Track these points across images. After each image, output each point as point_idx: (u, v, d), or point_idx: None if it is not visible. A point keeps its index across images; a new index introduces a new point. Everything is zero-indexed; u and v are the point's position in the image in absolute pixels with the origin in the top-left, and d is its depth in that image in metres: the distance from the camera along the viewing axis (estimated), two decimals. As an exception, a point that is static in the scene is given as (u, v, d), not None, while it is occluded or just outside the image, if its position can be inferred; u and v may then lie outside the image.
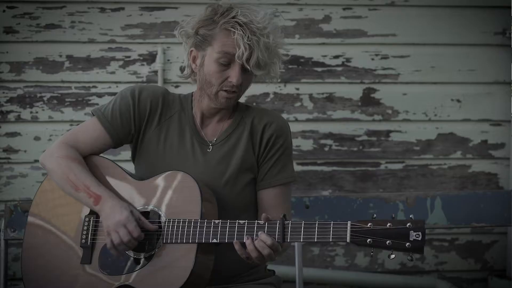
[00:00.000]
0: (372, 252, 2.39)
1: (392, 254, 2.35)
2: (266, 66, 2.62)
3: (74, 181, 2.63)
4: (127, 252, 2.58)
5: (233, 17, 2.58)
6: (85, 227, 2.64)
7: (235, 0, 2.66)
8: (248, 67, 2.58)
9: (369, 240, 2.35)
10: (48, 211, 2.71)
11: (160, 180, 2.62)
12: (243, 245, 2.47)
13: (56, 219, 2.69)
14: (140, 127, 2.72)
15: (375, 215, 2.38)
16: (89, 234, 2.63)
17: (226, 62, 2.60)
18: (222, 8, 2.62)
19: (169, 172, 2.62)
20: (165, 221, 2.55)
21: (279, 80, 2.61)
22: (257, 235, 2.45)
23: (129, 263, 2.57)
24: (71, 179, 2.64)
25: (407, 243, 2.32)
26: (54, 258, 2.65)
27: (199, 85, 2.69)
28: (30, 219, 2.72)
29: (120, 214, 2.55)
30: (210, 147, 2.70)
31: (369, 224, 2.36)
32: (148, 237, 2.57)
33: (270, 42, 2.58)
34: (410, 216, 2.36)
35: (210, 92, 2.65)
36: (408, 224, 2.33)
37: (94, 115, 2.74)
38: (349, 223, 2.38)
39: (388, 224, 2.34)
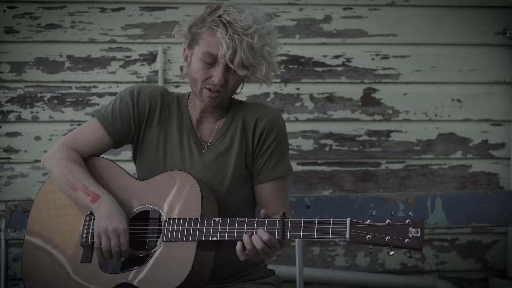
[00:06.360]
0: (371, 249, 2.39)
1: (391, 250, 2.36)
2: (251, 67, 2.59)
3: (72, 181, 2.63)
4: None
5: (219, 16, 2.58)
6: (86, 226, 2.64)
7: (234, 0, 2.66)
8: (232, 66, 2.57)
9: (368, 236, 2.36)
10: (48, 212, 2.71)
11: (160, 180, 2.63)
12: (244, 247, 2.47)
13: (57, 219, 2.69)
14: (140, 127, 2.73)
15: (374, 212, 2.39)
16: (90, 233, 2.63)
17: (210, 61, 2.59)
18: (212, 7, 2.62)
19: (169, 171, 2.63)
20: (166, 220, 2.56)
21: (272, 83, 2.60)
22: (256, 232, 2.46)
23: (129, 262, 2.57)
24: (69, 179, 2.64)
25: (406, 240, 2.34)
26: (55, 257, 2.65)
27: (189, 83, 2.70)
28: (30, 219, 2.73)
29: (119, 223, 2.55)
30: (206, 148, 2.70)
31: (368, 220, 2.37)
32: (148, 236, 2.57)
33: (254, 42, 2.56)
34: (409, 213, 2.37)
35: (195, 90, 2.65)
36: (407, 220, 2.35)
37: (94, 116, 2.75)
38: (348, 219, 2.38)
39: (387, 220, 2.36)
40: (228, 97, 2.69)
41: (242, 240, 2.46)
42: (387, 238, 2.35)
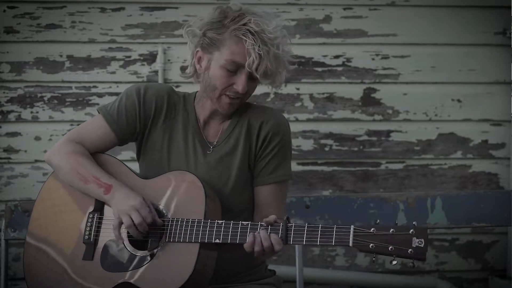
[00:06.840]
0: (374, 258, 2.39)
1: (394, 260, 2.35)
2: (273, 75, 2.61)
3: (83, 174, 2.64)
4: (130, 251, 2.58)
5: (244, 24, 2.57)
6: (89, 223, 2.64)
7: (241, 0, 2.65)
8: (257, 76, 2.58)
9: (371, 245, 2.36)
10: (50, 210, 2.71)
11: (165, 180, 2.63)
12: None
13: (59, 217, 2.70)
14: (146, 125, 2.73)
15: (378, 221, 2.38)
16: (92, 231, 2.63)
17: (233, 69, 2.59)
18: (232, 13, 2.60)
19: (174, 171, 2.63)
20: (169, 220, 2.56)
21: (281, 89, 2.61)
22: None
23: (131, 261, 2.57)
24: (80, 172, 2.64)
25: (409, 250, 2.33)
26: (56, 256, 2.65)
27: (203, 87, 2.69)
28: (32, 218, 2.73)
29: (134, 200, 2.55)
30: (211, 148, 2.70)
31: (372, 229, 2.36)
32: (151, 235, 2.57)
33: (280, 52, 2.58)
34: (414, 222, 2.36)
35: (213, 96, 2.65)
36: (411, 230, 2.34)
37: (99, 113, 2.75)
38: (352, 227, 2.38)
39: (391, 230, 2.35)
40: (242, 103, 2.70)
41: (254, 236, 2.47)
42: (390, 247, 2.34)
